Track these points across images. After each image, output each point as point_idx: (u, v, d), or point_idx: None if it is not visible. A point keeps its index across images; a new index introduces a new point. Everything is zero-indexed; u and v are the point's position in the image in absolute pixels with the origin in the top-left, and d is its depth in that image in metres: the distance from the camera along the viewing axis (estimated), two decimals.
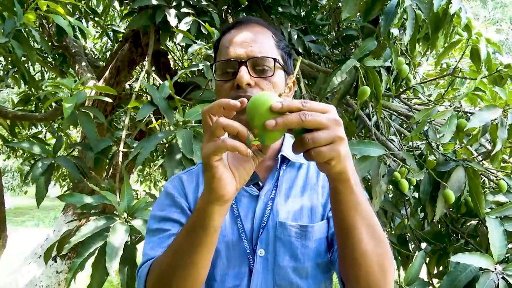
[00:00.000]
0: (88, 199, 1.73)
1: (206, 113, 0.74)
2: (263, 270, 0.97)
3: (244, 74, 0.96)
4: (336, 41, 2.96)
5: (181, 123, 1.93)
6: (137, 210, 1.77)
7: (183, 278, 0.83)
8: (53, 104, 3.53)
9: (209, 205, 0.76)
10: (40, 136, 4.45)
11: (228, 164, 0.76)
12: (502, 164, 2.35)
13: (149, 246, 1.00)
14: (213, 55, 2.25)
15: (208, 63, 2.25)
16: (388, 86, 1.97)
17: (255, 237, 0.99)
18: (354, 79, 1.82)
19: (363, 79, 1.77)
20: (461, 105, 2.20)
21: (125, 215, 1.76)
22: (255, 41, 1.02)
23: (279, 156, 1.09)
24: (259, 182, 1.05)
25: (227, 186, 0.74)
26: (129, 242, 1.71)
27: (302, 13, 2.98)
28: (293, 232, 0.99)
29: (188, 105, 2.71)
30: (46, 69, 4.58)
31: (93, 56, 4.97)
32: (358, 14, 2.13)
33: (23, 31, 1.78)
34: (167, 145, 2.34)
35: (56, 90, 3.38)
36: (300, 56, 1.10)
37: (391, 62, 2.10)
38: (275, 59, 1.01)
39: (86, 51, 4.62)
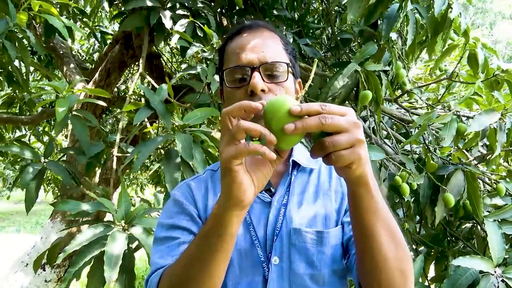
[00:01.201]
0: (85, 206, 1.67)
1: (226, 115, 0.72)
2: (278, 279, 0.95)
3: (258, 80, 0.94)
4: (331, 44, 2.96)
5: (177, 127, 1.90)
6: (135, 217, 1.72)
7: (198, 286, 0.81)
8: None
9: (227, 211, 0.75)
10: (24, 139, 4.33)
11: (246, 169, 0.74)
12: (493, 167, 2.37)
13: (158, 255, 0.97)
14: (209, 57, 2.23)
15: (205, 66, 2.21)
16: (387, 90, 1.97)
17: (269, 244, 0.97)
18: (355, 83, 1.81)
19: (364, 83, 1.77)
20: (457, 109, 2.21)
21: (123, 222, 1.70)
22: (266, 46, 1.00)
23: (290, 161, 1.07)
24: (271, 188, 1.04)
25: (246, 192, 0.72)
26: (127, 251, 1.66)
27: (296, 16, 2.97)
28: (309, 239, 0.97)
29: (181, 108, 2.67)
30: (31, 71, 4.47)
31: (80, 57, 4.87)
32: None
33: (15, 32, 1.71)
34: (162, 150, 2.29)
35: (42, 93, 3.29)
36: (316, 59, 1.08)
37: (388, 65, 2.10)
38: (288, 64, 1.00)
39: (73, 52, 4.53)
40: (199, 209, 1.04)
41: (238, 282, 0.95)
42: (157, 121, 3.18)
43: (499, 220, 1.95)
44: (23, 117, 3.48)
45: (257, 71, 0.96)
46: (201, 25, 2.25)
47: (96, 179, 3.00)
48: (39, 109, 3.46)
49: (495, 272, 1.73)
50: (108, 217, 2.16)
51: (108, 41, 4.14)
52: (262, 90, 0.95)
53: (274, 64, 0.98)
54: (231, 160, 0.69)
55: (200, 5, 2.49)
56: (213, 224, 0.78)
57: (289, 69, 1.01)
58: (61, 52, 3.57)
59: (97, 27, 4.25)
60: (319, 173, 1.09)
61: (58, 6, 3.08)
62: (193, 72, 2.27)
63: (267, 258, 0.96)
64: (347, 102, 2.27)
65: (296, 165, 1.08)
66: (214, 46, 2.09)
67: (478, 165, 2.33)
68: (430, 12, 1.93)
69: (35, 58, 4.11)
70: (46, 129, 4.90)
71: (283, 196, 1.02)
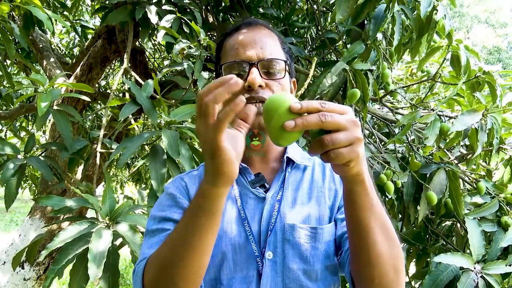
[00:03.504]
0: (69, 202, 1.64)
1: (201, 97, 0.68)
2: (272, 273, 0.95)
3: (256, 75, 0.96)
4: (315, 44, 2.98)
5: (163, 124, 1.88)
6: (120, 214, 1.69)
7: (185, 267, 0.80)
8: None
9: (217, 188, 0.75)
10: (0, 135, 4.22)
11: None
12: (473, 166, 2.44)
13: (147, 246, 0.97)
14: (195, 54, 2.22)
15: (191, 63, 2.20)
16: (373, 89, 1.99)
17: (263, 239, 0.98)
18: (343, 82, 1.83)
19: (352, 81, 1.79)
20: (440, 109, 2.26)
21: (107, 219, 1.68)
22: (264, 43, 1.02)
23: (284, 158, 1.08)
24: (265, 184, 1.04)
25: (235, 167, 0.73)
26: (111, 248, 1.64)
27: (281, 15, 2.97)
28: (303, 234, 0.98)
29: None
30: (8, 64, 4.34)
31: (59, 52, 4.76)
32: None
33: None
34: (147, 146, 2.27)
35: (20, 87, 3.20)
36: (314, 58, 1.09)
37: (374, 65, 2.13)
38: (285, 61, 1.02)
39: (52, 46, 4.42)
40: None
41: (233, 277, 0.95)
42: (140, 117, 3.15)
43: (479, 218, 2.01)
44: (0, 111, 3.38)
45: (255, 67, 0.97)
46: (188, 21, 2.23)
47: (77, 175, 2.94)
48: (18, 103, 3.36)
49: (474, 268, 1.78)
50: (89, 214, 2.13)
51: (89, 36, 4.06)
52: (260, 86, 0.96)
53: (272, 61, 0.99)
54: (217, 137, 0.68)
55: (186, 1, 2.47)
56: (201, 202, 0.77)
57: (286, 66, 1.02)
58: (41, 45, 3.48)
59: (77, 21, 4.16)
60: (313, 170, 1.11)
61: None
62: (178, 68, 2.25)
63: (261, 253, 0.96)
64: (334, 100, 2.29)
65: (290, 162, 1.09)
66: (201, 42, 2.08)
67: (458, 164, 2.39)
68: (416, 13, 1.97)
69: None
70: (24, 124, 4.78)
71: (277, 192, 1.03)
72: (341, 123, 0.67)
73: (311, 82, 1.76)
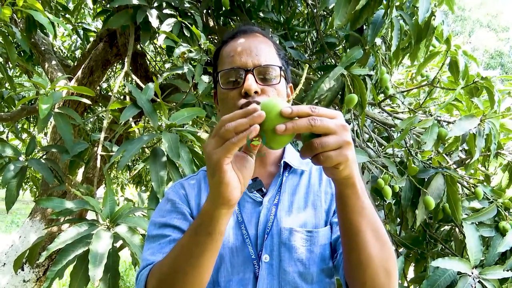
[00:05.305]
0: (69, 204, 1.65)
1: (232, 131, 0.71)
2: (268, 276, 0.97)
3: (252, 82, 0.98)
4: (315, 48, 2.99)
5: (163, 126, 1.89)
6: (120, 216, 1.71)
7: (186, 282, 0.83)
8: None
9: (216, 209, 0.77)
10: (1, 137, 4.23)
11: (233, 167, 0.76)
12: (471, 171, 2.44)
13: (149, 252, 0.99)
14: (196, 57, 2.23)
15: (191, 66, 2.21)
16: (372, 94, 2.01)
17: (260, 242, 0.99)
18: (341, 87, 1.84)
19: (350, 86, 1.80)
20: (438, 114, 2.27)
21: (108, 221, 1.69)
22: (260, 50, 1.04)
23: (281, 162, 1.10)
24: (263, 188, 1.06)
25: (234, 191, 0.74)
26: (111, 250, 1.65)
27: (281, 19, 2.99)
28: (299, 238, 0.99)
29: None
30: (10, 67, 4.37)
31: (61, 54, 4.79)
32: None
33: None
34: (147, 149, 2.28)
35: (22, 89, 3.22)
36: (306, 64, 1.11)
37: (373, 70, 2.14)
38: (281, 67, 1.04)
39: (54, 49, 4.44)
40: (191, 208, 1.06)
41: (230, 279, 0.97)
42: (141, 120, 3.16)
43: (477, 223, 2.02)
44: (2, 113, 3.40)
45: (251, 73, 0.99)
46: (189, 25, 2.25)
47: (78, 178, 2.96)
48: (19, 105, 3.39)
49: (472, 273, 1.79)
50: (89, 216, 2.14)
51: (91, 39, 4.09)
52: (256, 92, 0.98)
53: (268, 67, 1.01)
54: (221, 159, 0.71)
55: (187, 5, 2.49)
56: (202, 221, 0.80)
57: (282, 72, 1.04)
58: (43, 48, 3.51)
59: (79, 24, 4.19)
60: (310, 174, 1.12)
61: (40, 0, 3.02)
62: (179, 72, 2.27)
63: (258, 256, 0.98)
64: (333, 105, 2.30)
65: (287, 166, 1.11)
66: (202, 46, 2.09)
67: (457, 169, 2.40)
68: (414, 19, 1.99)
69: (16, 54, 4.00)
70: (25, 126, 4.80)
71: (274, 196, 1.05)
72: (330, 127, 0.69)
73: (302, 88, 1.77)
